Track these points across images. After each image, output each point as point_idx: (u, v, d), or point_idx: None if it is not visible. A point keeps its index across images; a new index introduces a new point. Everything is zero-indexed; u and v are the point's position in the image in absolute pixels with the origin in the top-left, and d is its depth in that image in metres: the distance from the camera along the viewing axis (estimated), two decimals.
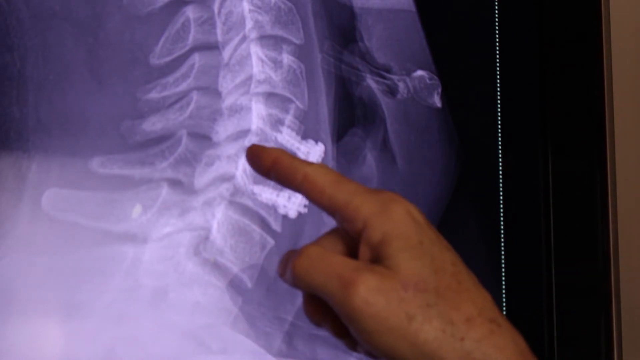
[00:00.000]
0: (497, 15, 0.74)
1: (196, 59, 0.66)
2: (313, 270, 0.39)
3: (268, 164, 0.42)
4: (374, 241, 0.39)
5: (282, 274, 0.41)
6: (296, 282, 0.40)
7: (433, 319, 0.37)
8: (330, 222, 0.68)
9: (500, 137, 0.72)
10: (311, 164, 0.42)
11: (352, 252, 0.40)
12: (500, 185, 0.72)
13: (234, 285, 0.65)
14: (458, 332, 0.37)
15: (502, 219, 0.71)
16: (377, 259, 0.38)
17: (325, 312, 0.40)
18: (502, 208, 0.71)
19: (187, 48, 0.66)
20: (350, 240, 0.41)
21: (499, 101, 0.73)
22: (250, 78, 0.67)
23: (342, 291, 0.37)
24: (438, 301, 0.37)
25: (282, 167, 0.42)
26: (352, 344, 0.41)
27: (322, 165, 0.42)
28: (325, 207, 0.41)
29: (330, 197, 0.40)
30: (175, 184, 0.65)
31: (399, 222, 0.39)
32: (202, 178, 0.65)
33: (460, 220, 0.70)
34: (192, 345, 0.64)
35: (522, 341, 0.39)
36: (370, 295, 0.37)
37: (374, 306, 0.37)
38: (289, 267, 0.40)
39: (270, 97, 0.67)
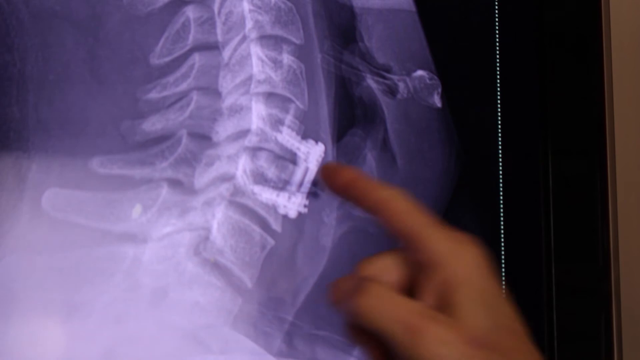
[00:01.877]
0: (497, 15, 0.74)
1: (196, 59, 0.66)
2: (378, 311, 0.38)
3: (344, 181, 0.42)
4: (443, 281, 0.38)
5: (336, 302, 0.41)
6: (358, 319, 0.39)
7: None
8: (329, 222, 0.68)
9: (500, 137, 0.72)
10: (389, 187, 0.41)
11: (410, 279, 0.40)
12: (500, 185, 0.72)
13: (234, 285, 0.65)
14: None
15: (502, 219, 0.71)
16: (442, 302, 0.38)
17: (369, 338, 0.40)
18: (502, 208, 0.71)
19: (187, 48, 0.66)
20: (410, 268, 0.40)
21: (499, 101, 0.73)
22: (250, 78, 0.67)
23: (406, 337, 0.37)
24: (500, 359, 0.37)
25: (359, 187, 0.42)
26: None
27: (399, 190, 0.41)
28: (396, 232, 0.40)
29: (405, 223, 0.40)
30: (175, 184, 0.65)
31: (469, 266, 0.39)
32: (202, 178, 0.65)
33: (460, 220, 0.70)
34: (192, 345, 0.64)
35: None
36: (435, 346, 0.37)
37: (437, 358, 0.37)
38: (352, 303, 0.39)
39: (270, 97, 0.67)
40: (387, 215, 0.41)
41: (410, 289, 0.40)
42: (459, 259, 0.39)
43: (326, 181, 0.43)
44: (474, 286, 0.38)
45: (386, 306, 0.38)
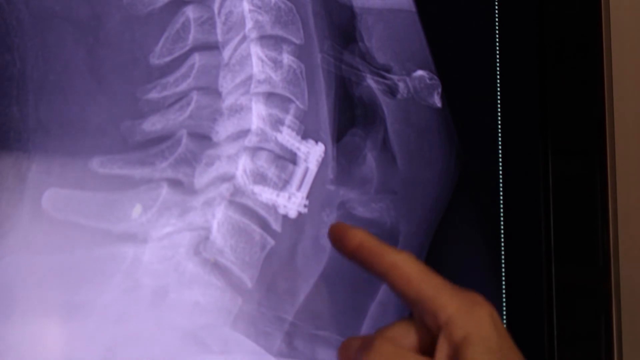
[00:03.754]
0: (497, 15, 0.74)
1: (196, 59, 0.66)
2: None
3: (353, 246, 0.42)
4: (455, 339, 0.38)
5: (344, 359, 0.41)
6: None
7: None
8: (329, 222, 0.68)
9: (500, 137, 0.72)
10: (398, 251, 0.42)
11: (424, 344, 0.40)
12: (500, 185, 0.72)
13: (234, 285, 0.65)
14: None
15: (502, 219, 0.71)
16: (455, 359, 0.38)
17: None
18: (502, 208, 0.71)
19: (187, 48, 0.66)
20: (425, 332, 0.40)
21: (499, 101, 0.73)
22: (250, 78, 0.67)
23: None
24: None
25: (368, 251, 0.42)
26: None
27: (408, 253, 0.42)
28: (408, 297, 0.41)
29: (416, 288, 0.40)
30: (175, 184, 0.65)
31: (483, 324, 0.39)
32: (202, 178, 0.65)
33: (460, 220, 0.70)
34: (192, 345, 0.64)
35: None
36: None
37: None
38: (361, 359, 0.39)
39: (270, 97, 0.67)
40: (399, 280, 0.41)
41: (429, 353, 0.40)
42: (470, 316, 0.39)
43: (334, 244, 0.43)
44: (488, 343, 0.38)
45: None
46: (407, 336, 0.41)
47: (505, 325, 0.70)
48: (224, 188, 0.66)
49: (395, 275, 0.41)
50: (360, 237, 0.42)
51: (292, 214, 0.66)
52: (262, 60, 0.67)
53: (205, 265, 0.65)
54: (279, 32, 0.68)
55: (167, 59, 0.66)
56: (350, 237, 0.42)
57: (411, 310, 0.41)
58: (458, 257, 0.70)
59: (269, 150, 0.67)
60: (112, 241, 0.63)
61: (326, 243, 0.67)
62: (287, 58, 0.68)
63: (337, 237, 0.43)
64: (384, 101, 0.70)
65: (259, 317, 0.65)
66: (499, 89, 0.73)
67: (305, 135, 0.68)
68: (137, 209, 0.64)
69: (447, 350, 0.39)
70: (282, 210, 0.66)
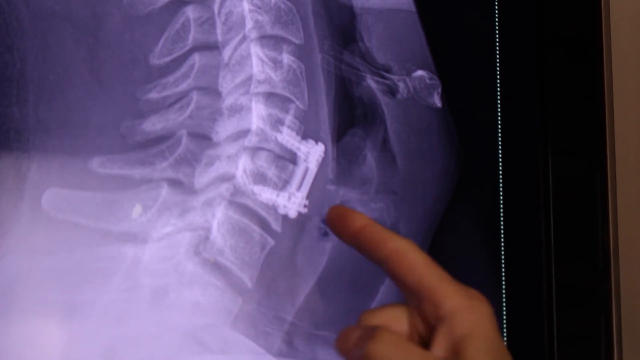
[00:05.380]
0: (497, 15, 0.74)
1: (196, 59, 0.66)
2: (390, 358, 0.38)
3: (354, 229, 0.41)
4: (455, 334, 0.38)
5: (344, 350, 0.40)
6: None
7: None
8: None
9: (500, 137, 0.72)
10: (401, 238, 0.41)
11: (415, 332, 0.40)
12: (500, 185, 0.72)
13: (234, 285, 0.65)
14: None
15: (502, 219, 0.71)
16: (454, 353, 0.38)
17: None
18: (502, 208, 0.71)
19: (187, 48, 0.66)
20: (420, 321, 0.40)
21: (499, 101, 0.73)
22: (250, 78, 0.67)
23: None
24: None
25: (370, 236, 0.41)
26: None
27: (411, 242, 0.41)
28: (409, 284, 0.40)
29: (419, 276, 0.40)
30: (175, 184, 0.65)
31: (484, 322, 0.39)
32: (202, 178, 0.65)
33: (460, 220, 0.70)
34: (192, 345, 0.64)
35: None
36: None
37: None
38: (364, 350, 0.38)
39: (270, 97, 0.67)
40: (401, 267, 0.40)
41: (421, 341, 0.40)
42: (472, 313, 0.39)
43: (334, 228, 0.42)
44: (488, 341, 0.38)
45: (399, 353, 0.38)
46: (398, 323, 0.40)
47: (505, 325, 0.70)
48: (224, 188, 0.66)
49: (397, 261, 0.40)
50: (363, 221, 0.41)
51: (292, 214, 0.66)
52: (262, 60, 0.67)
53: (205, 265, 0.65)
54: (279, 32, 0.68)
55: (167, 59, 0.66)
56: (351, 219, 0.41)
57: (408, 298, 0.41)
58: (458, 257, 0.70)
59: (269, 150, 0.67)
60: (112, 241, 0.63)
61: (326, 243, 0.67)
62: (287, 58, 0.68)
63: (337, 218, 0.42)
64: (384, 101, 0.70)
65: (259, 317, 0.65)
66: (499, 89, 0.73)
67: (305, 135, 0.68)
68: (137, 209, 0.64)
69: (446, 344, 0.38)
70: (282, 211, 0.66)
